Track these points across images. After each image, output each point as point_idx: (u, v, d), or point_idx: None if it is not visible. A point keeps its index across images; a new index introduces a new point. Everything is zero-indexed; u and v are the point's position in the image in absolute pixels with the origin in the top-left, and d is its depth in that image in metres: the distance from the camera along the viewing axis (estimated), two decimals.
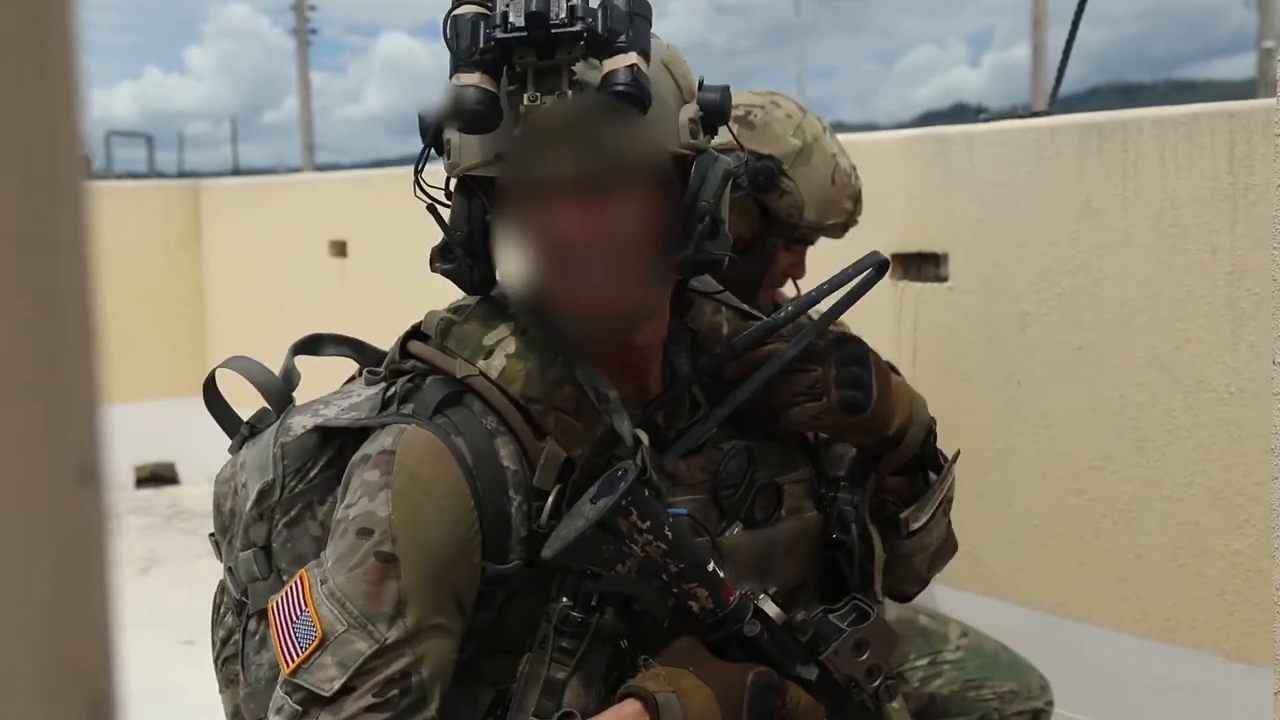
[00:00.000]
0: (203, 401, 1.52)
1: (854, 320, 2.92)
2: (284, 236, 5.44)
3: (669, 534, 1.23)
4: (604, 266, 1.26)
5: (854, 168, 2.30)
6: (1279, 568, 1.29)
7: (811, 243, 2.33)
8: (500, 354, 1.31)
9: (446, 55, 1.21)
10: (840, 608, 1.33)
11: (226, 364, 1.50)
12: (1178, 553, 2.34)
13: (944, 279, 2.77)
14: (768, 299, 2.35)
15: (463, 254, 1.31)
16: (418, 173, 1.30)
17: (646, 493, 1.23)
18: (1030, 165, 2.56)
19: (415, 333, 1.39)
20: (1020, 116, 2.68)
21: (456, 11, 1.20)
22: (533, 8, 1.16)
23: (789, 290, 2.47)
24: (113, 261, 5.83)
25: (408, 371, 1.36)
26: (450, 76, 1.20)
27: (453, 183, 1.33)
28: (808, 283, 2.52)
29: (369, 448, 1.29)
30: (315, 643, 1.20)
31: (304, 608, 1.23)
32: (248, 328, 5.83)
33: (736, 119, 2.19)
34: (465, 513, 1.25)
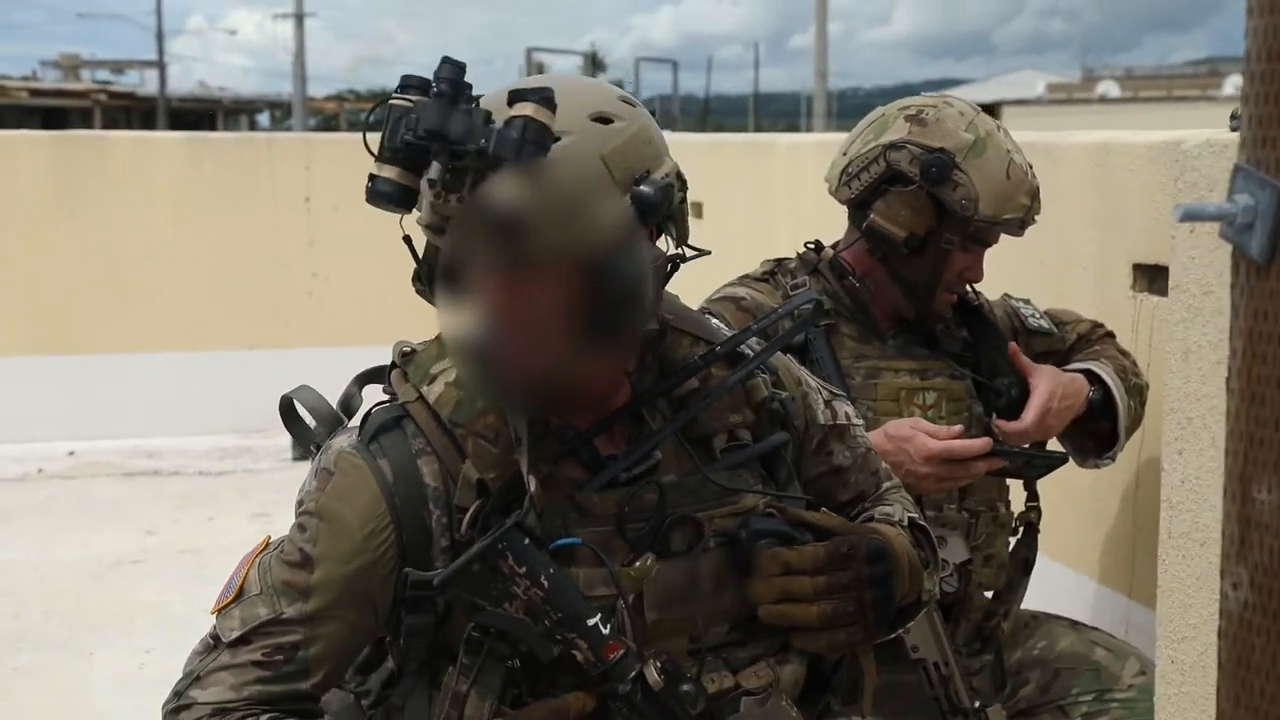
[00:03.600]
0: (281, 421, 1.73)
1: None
2: None
3: (545, 582, 1.38)
4: (524, 340, 1.37)
5: (1030, 165, 2.20)
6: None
7: (989, 243, 2.24)
8: (441, 381, 1.46)
9: None
10: (759, 690, 1.44)
11: (292, 393, 1.70)
12: None
13: None
14: (945, 302, 2.26)
15: (425, 284, 1.45)
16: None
17: (526, 540, 1.38)
18: None
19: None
20: None
21: (392, 101, 1.31)
22: (430, 124, 1.25)
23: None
24: None
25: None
26: (376, 159, 1.31)
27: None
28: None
29: (320, 459, 1.50)
30: (234, 596, 1.45)
31: (245, 565, 1.48)
32: None
33: (909, 118, 2.19)
34: (380, 528, 1.43)
